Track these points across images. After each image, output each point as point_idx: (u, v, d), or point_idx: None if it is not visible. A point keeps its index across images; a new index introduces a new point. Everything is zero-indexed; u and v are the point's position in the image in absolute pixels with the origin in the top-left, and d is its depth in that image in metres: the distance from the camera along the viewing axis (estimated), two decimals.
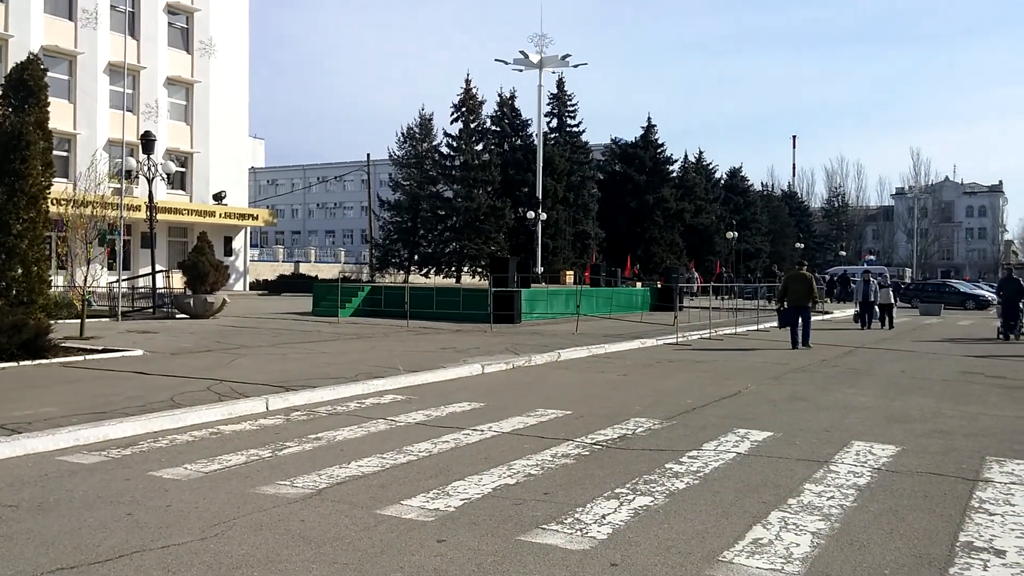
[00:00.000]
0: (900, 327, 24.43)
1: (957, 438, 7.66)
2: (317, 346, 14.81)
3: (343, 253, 64.71)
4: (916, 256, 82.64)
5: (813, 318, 17.97)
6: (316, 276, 44.65)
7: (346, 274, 50.31)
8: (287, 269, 51.54)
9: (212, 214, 39.44)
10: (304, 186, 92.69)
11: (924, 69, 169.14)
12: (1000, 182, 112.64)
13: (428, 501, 5.31)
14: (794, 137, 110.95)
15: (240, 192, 43.15)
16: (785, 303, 17.56)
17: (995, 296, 26.70)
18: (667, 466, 6.34)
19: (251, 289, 42.97)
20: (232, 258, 41.11)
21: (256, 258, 53.13)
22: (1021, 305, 20.63)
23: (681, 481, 5.91)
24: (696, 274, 46.80)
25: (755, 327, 22.67)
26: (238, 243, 42.56)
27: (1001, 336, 20.72)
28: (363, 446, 6.96)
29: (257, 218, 44.10)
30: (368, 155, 50.72)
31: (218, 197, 40.06)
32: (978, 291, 43.70)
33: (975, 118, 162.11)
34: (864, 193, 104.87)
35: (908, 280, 59.57)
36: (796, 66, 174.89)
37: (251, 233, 47.18)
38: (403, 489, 5.60)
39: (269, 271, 49.59)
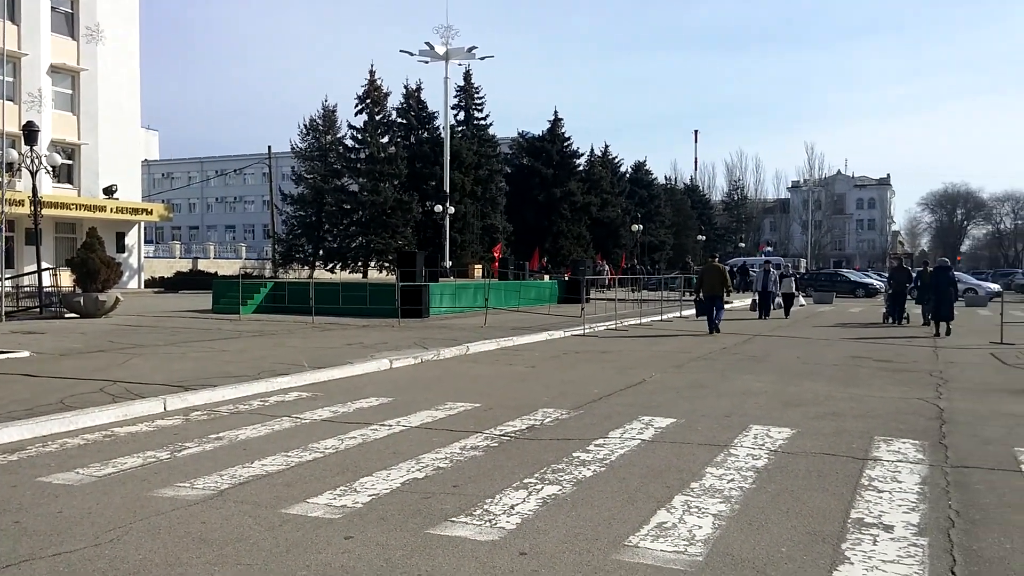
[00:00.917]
0: (795, 315, 25.46)
1: (848, 420, 8.03)
2: (217, 344, 14.36)
3: (244, 249, 62.91)
4: (810, 247, 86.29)
5: None
6: (216, 273, 43.23)
7: (248, 270, 48.90)
8: (185, 266, 49.71)
9: (102, 209, 37.66)
10: (202, 180, 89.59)
11: (818, 68, 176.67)
12: (888, 175, 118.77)
13: (335, 498, 5.22)
14: (696, 132, 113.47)
15: (132, 186, 41.36)
16: (701, 293, 18.91)
17: (885, 284, 28.43)
18: (574, 455, 6.42)
19: (146, 287, 41.30)
20: (125, 255, 39.39)
21: (151, 255, 51.01)
22: (908, 293, 22.14)
23: (588, 469, 5.99)
24: (607, 266, 47.59)
25: (659, 317, 23.24)
26: (131, 239, 40.81)
27: (890, 320, 22.18)
28: (267, 445, 6.79)
29: (151, 213, 42.38)
30: (269, 147, 49.39)
31: (108, 191, 38.28)
32: (867, 280, 45.95)
33: (865, 115, 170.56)
34: (762, 186, 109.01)
35: (803, 270, 62.10)
36: (698, 63, 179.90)
37: (145, 229, 45.30)
38: (309, 487, 5.49)
39: (165, 268, 47.76)
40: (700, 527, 4.68)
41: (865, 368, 12.29)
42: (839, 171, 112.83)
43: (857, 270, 62.25)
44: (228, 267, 50.35)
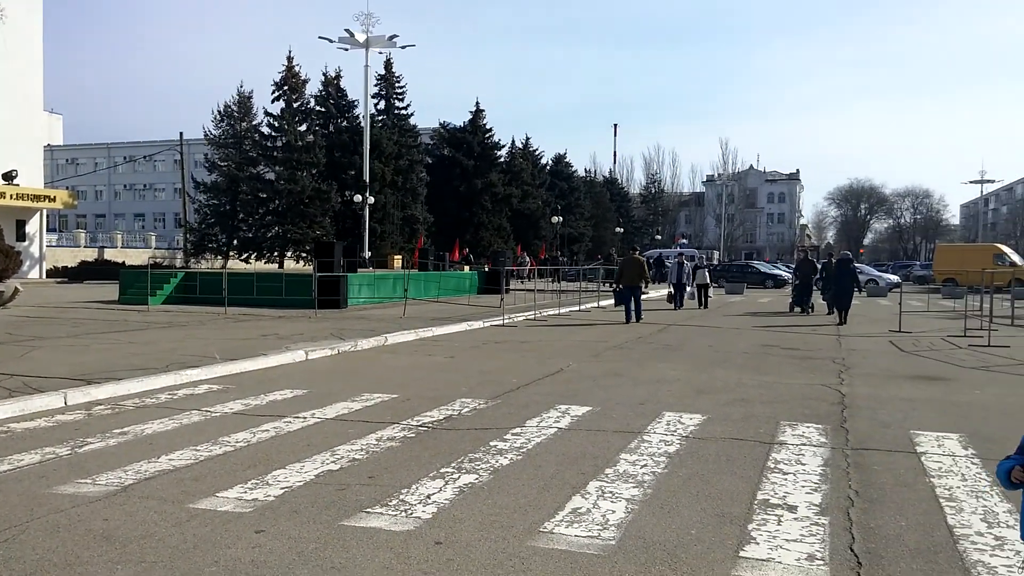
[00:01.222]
0: (709, 304, 26.08)
1: (756, 405, 8.29)
2: (124, 336, 13.83)
3: (154, 238, 60.65)
4: (723, 239, 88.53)
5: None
6: (123, 262, 41.57)
7: (158, 260, 47.12)
8: (90, 255, 47.60)
9: (1, 195, 35.81)
10: (109, 166, 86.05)
11: (733, 64, 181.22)
12: (797, 170, 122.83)
13: (246, 492, 5.11)
14: (615, 125, 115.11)
15: (34, 171, 39.44)
16: (621, 284, 19.99)
17: (792, 276, 29.61)
18: (492, 444, 6.45)
19: (49, 277, 39.46)
20: (26, 243, 37.57)
21: (54, 243, 48.64)
22: (814, 284, 23.14)
23: (505, 458, 6.02)
24: (528, 258, 47.79)
25: (577, 308, 23.51)
26: (32, 227, 38.93)
27: (796, 310, 23.18)
28: (175, 439, 6.58)
29: (54, 200, 40.51)
30: (181, 134, 47.75)
31: (8, 176, 36.39)
32: (776, 271, 47.52)
33: (776, 111, 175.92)
34: (678, 180, 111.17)
35: (716, 262, 63.75)
36: (616, 57, 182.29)
37: (48, 216, 43.19)
38: (218, 481, 5.35)
39: (69, 257, 45.68)
40: (613, 512, 4.76)
41: (774, 356, 12.70)
42: (751, 166, 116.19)
43: (767, 262, 64.25)
44: (137, 256, 48.50)
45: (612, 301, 22.80)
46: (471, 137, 58.98)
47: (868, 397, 8.87)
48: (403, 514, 4.70)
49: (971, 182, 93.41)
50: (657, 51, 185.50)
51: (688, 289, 24.77)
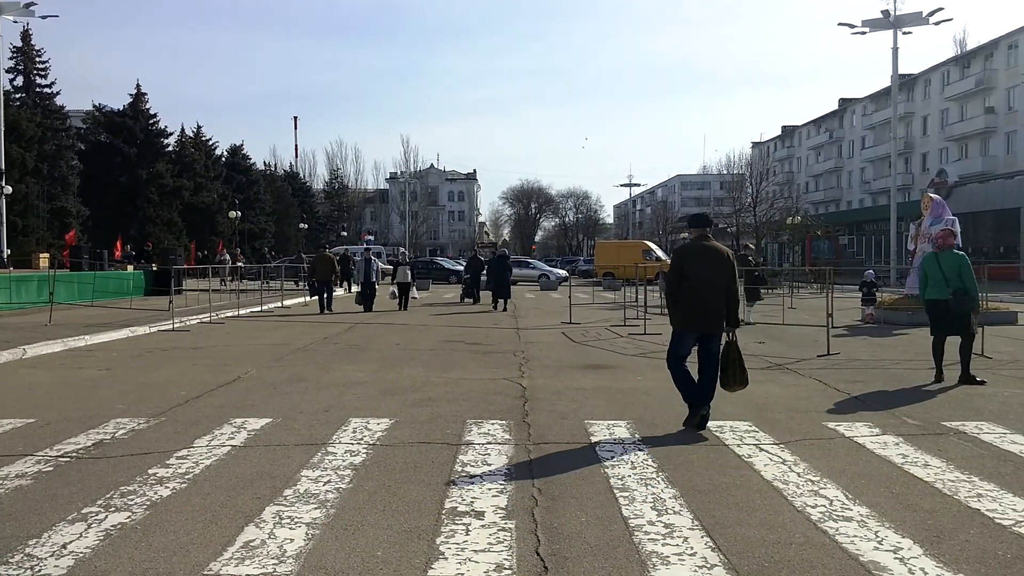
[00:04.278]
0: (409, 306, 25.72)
1: (442, 404, 8.21)
2: None
3: None
4: (408, 236, 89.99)
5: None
6: None
7: None
8: None
9: None
10: None
11: (413, 64, 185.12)
12: (474, 170, 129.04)
13: None
14: (295, 118, 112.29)
15: None
16: (315, 279, 22.58)
17: (463, 271, 32.02)
18: (151, 472, 5.59)
19: None
20: None
21: None
22: (483, 278, 26.16)
23: (166, 488, 5.23)
24: (227, 255, 44.27)
25: (259, 308, 22.24)
26: None
27: (468, 300, 26.22)
28: None
29: None
30: None
31: None
32: (458, 267, 49.22)
33: (455, 112, 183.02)
34: (362, 176, 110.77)
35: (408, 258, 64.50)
36: (296, 49, 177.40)
37: None
38: None
39: None
40: (292, 540, 4.28)
41: (459, 352, 12.88)
42: (432, 164, 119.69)
43: (450, 258, 66.52)
44: None
45: (297, 300, 25.23)
46: (132, 122, 53.63)
47: (546, 388, 9.23)
48: (28, 571, 3.81)
49: (621, 185, 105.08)
50: (338, 45, 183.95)
51: (391, 289, 23.79)
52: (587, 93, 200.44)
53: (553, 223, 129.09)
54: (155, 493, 5.11)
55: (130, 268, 31.18)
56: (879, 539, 4.35)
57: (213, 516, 4.68)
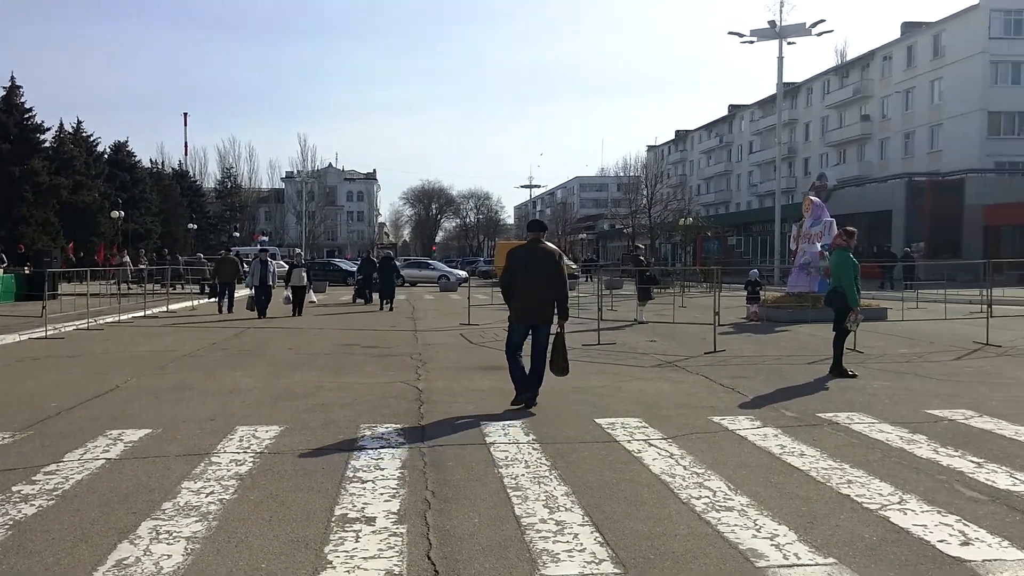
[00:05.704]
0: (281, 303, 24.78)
1: (336, 410, 8.05)
2: None
3: None
4: (305, 236, 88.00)
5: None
6: None
7: None
8: None
9: None
10: None
11: (311, 61, 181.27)
12: (374, 170, 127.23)
13: None
14: (185, 115, 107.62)
15: None
16: (218, 281, 23.12)
17: (356, 272, 31.80)
18: (15, 489, 5.25)
19: None
20: None
21: None
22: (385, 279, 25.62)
23: (32, 505, 4.92)
24: (126, 258, 41.93)
25: (142, 313, 21.27)
26: None
27: (360, 301, 26.61)
28: None
29: None
30: None
31: None
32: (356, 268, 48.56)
33: (354, 111, 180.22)
34: (256, 175, 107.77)
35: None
36: (186, 43, 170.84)
37: None
38: None
39: None
40: (169, 556, 4.09)
41: (354, 355, 12.66)
42: (331, 164, 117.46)
43: (348, 259, 65.45)
44: None
45: (184, 304, 24.80)
46: (6, 117, 50.42)
47: (443, 391, 9.18)
48: None
49: (522, 186, 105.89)
50: (232, 40, 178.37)
51: (285, 293, 22.83)
52: (488, 95, 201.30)
53: (454, 223, 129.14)
54: (18, 512, 4.80)
55: (1, 271, 29.30)
56: (757, 527, 4.52)
57: (83, 534, 4.43)
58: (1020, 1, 51.26)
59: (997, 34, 51.17)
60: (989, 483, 5.38)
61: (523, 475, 5.60)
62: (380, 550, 4.19)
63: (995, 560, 4.03)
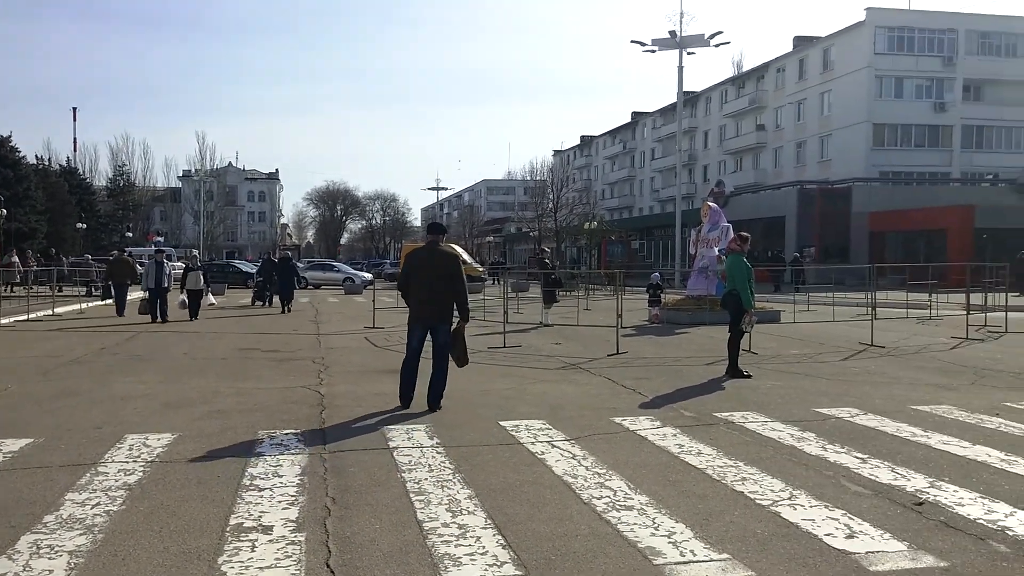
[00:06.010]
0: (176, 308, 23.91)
1: (233, 416, 7.81)
2: None
3: None
4: (203, 237, 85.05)
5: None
6: None
7: None
8: None
9: None
10: None
11: (209, 58, 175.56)
12: (277, 170, 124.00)
13: None
14: (75, 110, 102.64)
15: None
16: (112, 283, 22.82)
17: (256, 274, 31.37)
18: None
19: None
20: None
21: None
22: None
23: None
24: (16, 259, 39.26)
25: (25, 317, 20.14)
26: None
27: (259, 303, 26.26)
28: None
29: None
30: None
31: None
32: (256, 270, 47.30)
33: (256, 110, 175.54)
34: (151, 173, 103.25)
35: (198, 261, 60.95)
36: (75, 36, 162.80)
37: None
38: None
39: None
40: (51, 572, 3.89)
41: (254, 360, 12.33)
42: (231, 163, 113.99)
43: (249, 261, 63.68)
44: None
45: (72, 307, 23.71)
46: None
47: (346, 395, 9.03)
48: None
49: (429, 188, 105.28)
50: (124, 34, 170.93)
51: (181, 298, 21.86)
52: (395, 97, 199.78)
53: (360, 225, 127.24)
54: None
55: None
56: (656, 525, 4.62)
57: None
58: (904, 19, 54.34)
59: (882, 50, 54.07)
60: (872, 478, 5.66)
61: (426, 479, 5.56)
62: (277, 559, 4.09)
63: (877, 552, 4.24)
